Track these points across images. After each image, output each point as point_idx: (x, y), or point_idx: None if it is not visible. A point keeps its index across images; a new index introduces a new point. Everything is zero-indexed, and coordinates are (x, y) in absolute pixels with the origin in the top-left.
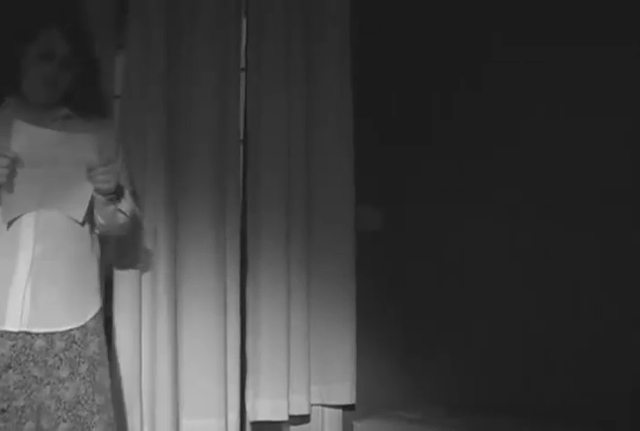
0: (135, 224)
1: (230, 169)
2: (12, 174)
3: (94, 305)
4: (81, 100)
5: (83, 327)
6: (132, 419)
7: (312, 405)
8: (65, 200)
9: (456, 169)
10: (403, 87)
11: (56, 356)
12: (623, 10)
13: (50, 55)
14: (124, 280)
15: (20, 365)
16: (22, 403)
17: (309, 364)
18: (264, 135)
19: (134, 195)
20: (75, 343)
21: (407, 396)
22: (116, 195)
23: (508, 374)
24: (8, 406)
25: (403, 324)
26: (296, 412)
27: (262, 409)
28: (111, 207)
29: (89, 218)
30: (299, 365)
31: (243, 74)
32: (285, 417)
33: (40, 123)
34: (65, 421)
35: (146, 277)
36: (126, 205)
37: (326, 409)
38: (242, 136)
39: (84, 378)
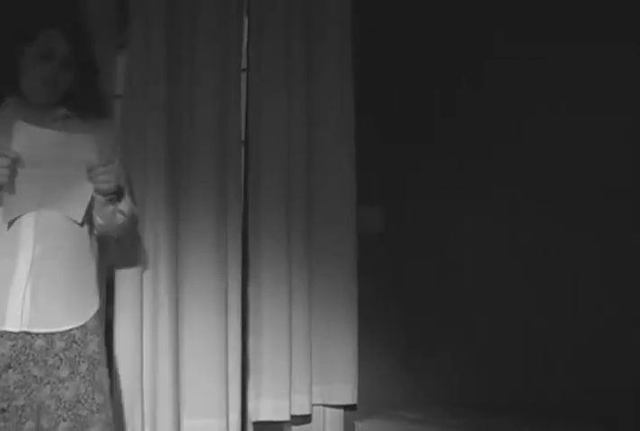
0: (133, 225)
1: (231, 169)
2: (12, 174)
3: (93, 305)
4: (80, 100)
5: (83, 326)
6: (133, 419)
7: (313, 405)
8: (65, 200)
9: (457, 166)
10: (404, 84)
11: (56, 355)
12: (624, 7)
13: (50, 55)
14: (125, 280)
15: (20, 364)
16: (22, 403)
17: (311, 364)
18: (265, 134)
19: (131, 195)
20: (76, 343)
21: (409, 396)
22: (116, 195)
23: (509, 372)
24: (8, 405)
25: (404, 324)
26: (297, 412)
27: (263, 410)
28: (110, 208)
29: (88, 218)
30: (301, 365)
31: (244, 74)
32: (287, 418)
33: (39, 123)
34: (65, 420)
35: (148, 276)
36: (125, 205)
37: (328, 409)
38: (243, 136)
39: (84, 377)
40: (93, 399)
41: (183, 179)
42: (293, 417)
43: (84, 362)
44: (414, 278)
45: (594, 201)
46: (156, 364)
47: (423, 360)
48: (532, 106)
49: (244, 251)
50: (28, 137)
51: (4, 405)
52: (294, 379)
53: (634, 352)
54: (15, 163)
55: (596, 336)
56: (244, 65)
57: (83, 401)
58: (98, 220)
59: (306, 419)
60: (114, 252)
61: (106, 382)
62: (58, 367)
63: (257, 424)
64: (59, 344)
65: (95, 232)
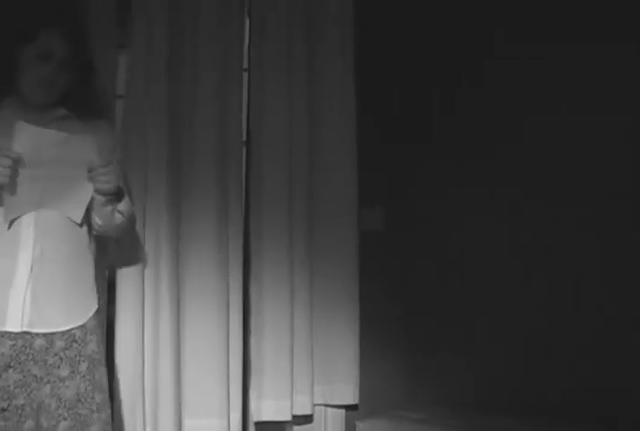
0: (131, 224)
1: (232, 169)
2: (13, 175)
3: (93, 304)
4: (79, 100)
5: (82, 326)
6: (134, 419)
7: (315, 405)
8: (65, 201)
9: (457, 166)
10: (404, 84)
11: (56, 355)
12: (624, 7)
13: (49, 55)
14: (127, 280)
15: (20, 364)
16: (22, 402)
17: (312, 364)
18: (267, 134)
19: (129, 194)
20: (76, 342)
21: (410, 396)
22: (116, 196)
23: (509, 372)
24: (8, 405)
25: (406, 324)
26: (299, 412)
27: (265, 410)
28: (109, 208)
29: (86, 219)
30: (302, 366)
31: (245, 74)
32: (288, 418)
33: (38, 123)
34: (65, 419)
35: (149, 276)
36: (123, 205)
37: (329, 410)
38: (244, 136)
39: (84, 376)
40: (93, 398)
41: (185, 178)
42: (295, 417)
43: (84, 361)
44: (415, 278)
45: (594, 201)
46: (158, 363)
47: (424, 360)
48: (532, 106)
49: (246, 251)
50: (29, 138)
51: (5, 404)
52: (295, 379)
53: (634, 352)
54: (16, 164)
55: (596, 336)
56: (245, 66)
57: (83, 400)
58: (97, 220)
59: (307, 419)
60: (115, 252)
61: (105, 380)
62: (59, 366)
63: (259, 424)
64: (59, 343)
65: (94, 232)
